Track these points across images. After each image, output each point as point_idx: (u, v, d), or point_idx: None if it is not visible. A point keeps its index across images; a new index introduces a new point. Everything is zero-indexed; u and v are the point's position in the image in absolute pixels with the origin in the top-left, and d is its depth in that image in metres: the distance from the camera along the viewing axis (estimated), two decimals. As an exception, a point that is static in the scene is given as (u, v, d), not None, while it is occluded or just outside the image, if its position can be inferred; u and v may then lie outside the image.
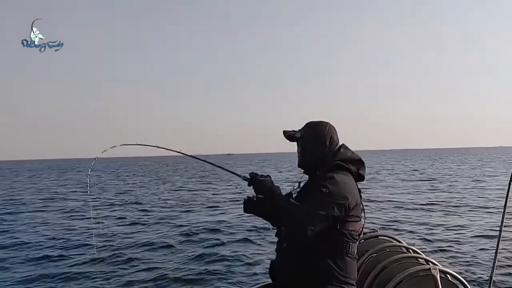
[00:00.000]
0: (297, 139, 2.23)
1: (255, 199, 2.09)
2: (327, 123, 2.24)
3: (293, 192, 2.24)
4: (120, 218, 12.76)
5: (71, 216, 13.50)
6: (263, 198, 2.06)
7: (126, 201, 17.39)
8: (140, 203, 16.58)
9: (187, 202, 16.84)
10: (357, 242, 2.12)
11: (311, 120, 2.27)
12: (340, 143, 2.23)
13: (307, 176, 2.27)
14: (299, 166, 2.25)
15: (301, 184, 2.28)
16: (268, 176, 2.14)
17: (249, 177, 2.11)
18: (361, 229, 2.16)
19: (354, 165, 2.15)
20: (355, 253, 2.11)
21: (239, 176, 2.23)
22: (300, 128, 2.25)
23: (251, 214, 2.15)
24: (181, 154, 2.64)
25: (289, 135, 2.22)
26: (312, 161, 2.17)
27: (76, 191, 23.32)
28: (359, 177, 2.17)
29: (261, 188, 2.05)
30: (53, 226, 11.49)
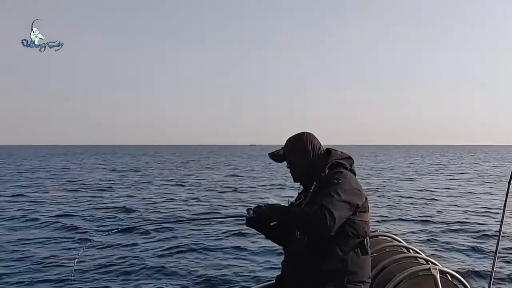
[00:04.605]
0: (282, 157, 2.30)
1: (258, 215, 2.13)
2: (304, 132, 2.33)
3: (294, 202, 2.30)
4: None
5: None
6: (274, 224, 2.12)
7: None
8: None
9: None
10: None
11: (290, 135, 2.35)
12: (325, 147, 2.32)
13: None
14: (294, 181, 2.33)
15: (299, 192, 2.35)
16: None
17: (246, 213, 2.15)
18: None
19: (347, 162, 2.24)
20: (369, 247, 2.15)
21: (238, 217, 2.33)
22: (282, 147, 2.34)
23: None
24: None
25: (273, 156, 2.31)
26: (304, 171, 2.24)
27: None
28: (352, 173, 2.25)
29: (260, 220, 2.11)
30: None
